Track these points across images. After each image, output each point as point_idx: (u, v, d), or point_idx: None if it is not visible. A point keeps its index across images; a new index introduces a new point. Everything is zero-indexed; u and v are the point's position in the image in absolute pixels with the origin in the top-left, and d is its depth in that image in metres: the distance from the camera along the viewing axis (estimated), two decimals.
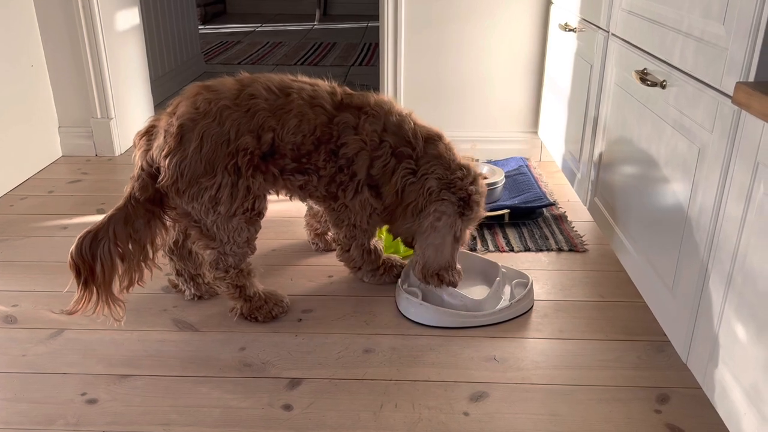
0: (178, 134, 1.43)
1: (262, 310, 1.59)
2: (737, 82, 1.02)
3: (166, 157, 1.44)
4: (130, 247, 1.46)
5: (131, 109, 2.88)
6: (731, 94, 1.06)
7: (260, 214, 1.54)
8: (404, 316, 1.62)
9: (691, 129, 1.23)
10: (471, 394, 1.36)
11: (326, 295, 1.73)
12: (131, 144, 2.87)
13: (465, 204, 1.57)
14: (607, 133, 1.73)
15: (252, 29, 6.03)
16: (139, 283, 1.51)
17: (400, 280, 1.69)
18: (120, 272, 1.46)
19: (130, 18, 2.85)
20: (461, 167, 1.58)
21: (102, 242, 1.43)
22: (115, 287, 1.46)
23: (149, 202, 1.49)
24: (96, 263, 1.42)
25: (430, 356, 1.48)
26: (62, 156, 2.74)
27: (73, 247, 1.42)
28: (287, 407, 1.32)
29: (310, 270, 1.85)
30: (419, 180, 1.56)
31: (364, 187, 1.57)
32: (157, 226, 1.52)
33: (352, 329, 1.58)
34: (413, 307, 1.61)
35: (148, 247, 1.50)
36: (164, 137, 1.45)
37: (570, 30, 2.08)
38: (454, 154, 1.60)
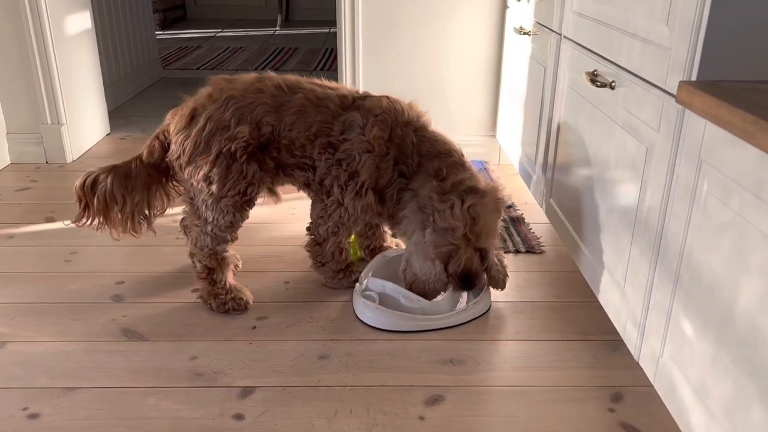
0: (189, 115, 1.55)
1: (218, 299, 1.62)
2: (680, 81, 1.03)
3: (176, 134, 1.56)
4: (125, 199, 1.59)
5: (84, 115, 2.81)
6: (675, 93, 1.07)
7: (250, 201, 1.59)
8: (361, 321, 1.60)
9: (638, 129, 1.24)
10: (427, 397, 1.34)
11: (282, 301, 1.70)
12: (85, 150, 2.81)
13: (427, 216, 1.49)
14: (561, 135, 1.74)
15: (212, 34, 5.96)
16: (132, 232, 1.63)
17: (357, 284, 1.67)
18: (115, 212, 1.61)
19: (81, 21, 2.78)
20: (441, 180, 1.50)
21: (100, 185, 1.58)
22: (116, 219, 1.61)
23: (152, 167, 1.62)
24: (93, 198, 1.59)
25: (386, 361, 1.46)
26: (10, 164, 2.65)
27: (78, 180, 1.59)
28: (239, 416, 1.28)
29: (266, 276, 1.82)
30: (405, 197, 1.58)
31: (369, 191, 1.57)
32: (158, 191, 1.65)
33: (307, 335, 1.55)
34: (370, 311, 1.59)
35: (143, 205, 1.63)
36: (179, 117, 1.58)
37: (525, 33, 2.10)
38: (444, 170, 1.52)
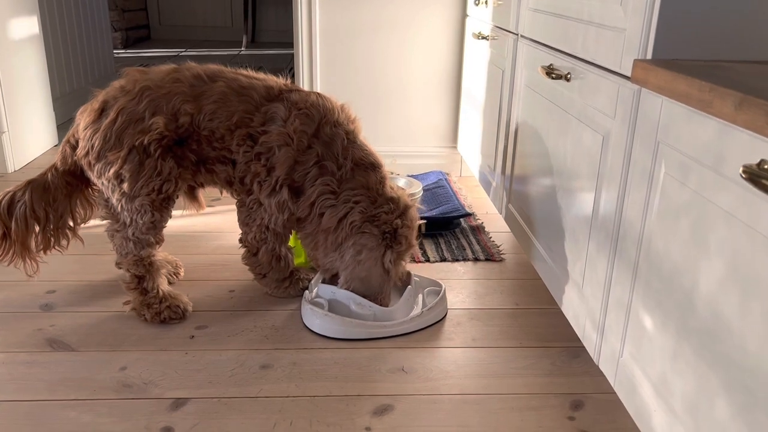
0: (99, 109, 1.44)
1: (151, 309, 1.49)
2: (635, 59, 0.98)
3: (84, 129, 1.44)
4: (48, 213, 1.48)
5: (27, 124, 2.68)
6: (630, 75, 1.02)
7: (168, 199, 1.47)
8: (309, 329, 1.50)
9: (594, 118, 1.18)
10: (375, 407, 1.25)
11: (225, 310, 1.59)
12: (28, 161, 2.67)
13: (392, 238, 1.49)
14: (519, 137, 1.69)
15: (175, 53, 5.87)
16: (57, 248, 1.53)
17: (306, 291, 1.58)
18: (36, 234, 1.49)
19: (27, 26, 2.67)
20: (389, 200, 1.50)
21: (18, 204, 1.46)
22: (33, 245, 1.49)
23: (69, 174, 1.50)
24: (11, 222, 1.46)
25: (333, 370, 1.36)
26: None
27: None
28: (167, 429, 1.17)
29: (209, 285, 1.71)
30: (339, 206, 1.47)
31: (284, 187, 1.46)
32: (79, 198, 1.54)
33: (249, 345, 1.44)
34: (318, 318, 1.49)
35: (68, 216, 1.52)
36: (88, 111, 1.46)
37: (483, 38, 2.06)
38: (385, 186, 1.51)
